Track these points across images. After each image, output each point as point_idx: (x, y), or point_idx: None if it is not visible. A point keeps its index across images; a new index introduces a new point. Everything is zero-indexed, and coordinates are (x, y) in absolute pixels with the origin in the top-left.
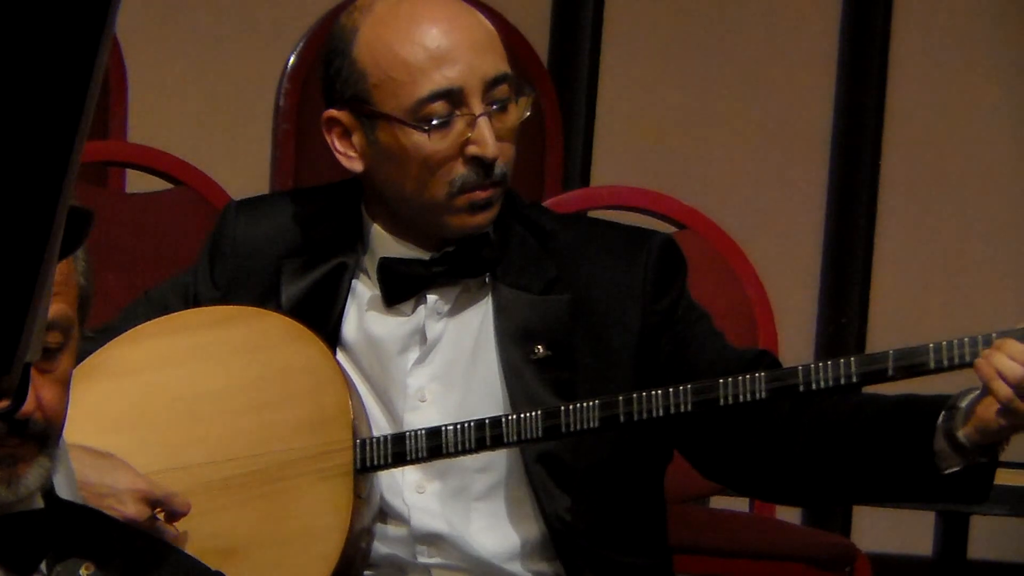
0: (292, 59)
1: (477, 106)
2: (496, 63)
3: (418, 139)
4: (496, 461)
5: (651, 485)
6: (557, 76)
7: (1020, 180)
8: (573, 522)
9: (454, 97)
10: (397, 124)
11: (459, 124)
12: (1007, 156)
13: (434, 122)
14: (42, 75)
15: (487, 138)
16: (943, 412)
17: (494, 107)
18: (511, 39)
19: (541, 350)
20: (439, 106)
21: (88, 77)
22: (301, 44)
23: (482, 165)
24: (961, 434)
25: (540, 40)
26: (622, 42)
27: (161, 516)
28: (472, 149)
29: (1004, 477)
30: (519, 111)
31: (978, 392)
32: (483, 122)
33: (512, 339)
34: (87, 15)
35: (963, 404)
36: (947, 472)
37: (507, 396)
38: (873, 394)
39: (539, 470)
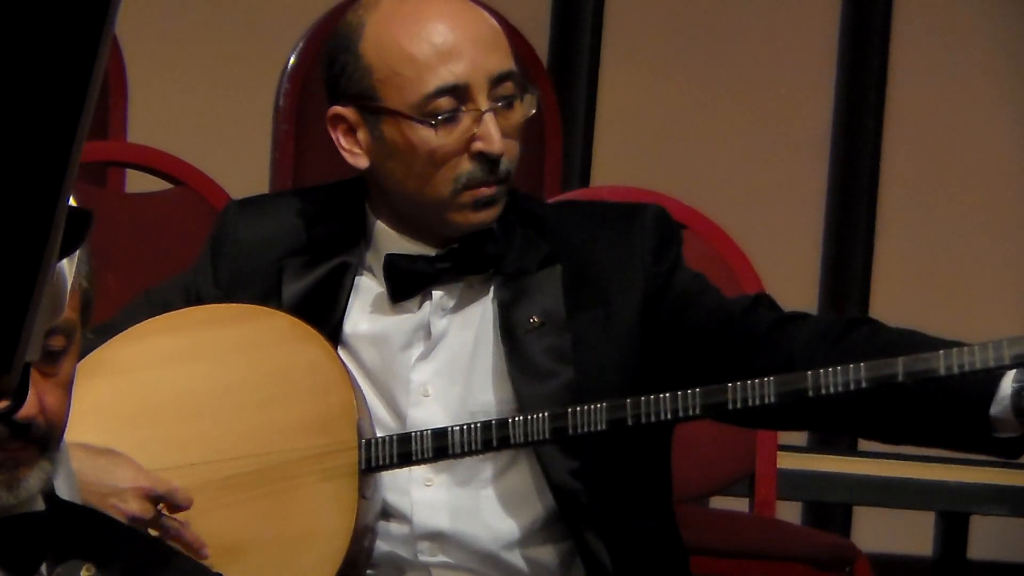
0: (292, 59)
1: (483, 102)
2: (501, 60)
3: (425, 134)
4: None
5: (656, 446)
6: (557, 76)
7: (1020, 180)
8: (579, 488)
9: (460, 93)
10: (403, 119)
11: (465, 120)
12: (1007, 156)
13: (440, 117)
14: (42, 75)
15: (493, 134)
16: (1014, 384)
17: (499, 104)
18: (511, 39)
19: (536, 320)
20: (445, 101)
21: (88, 77)
22: (301, 44)
23: (488, 161)
24: None
25: (540, 40)
26: (622, 42)
27: (165, 511)
28: (478, 145)
29: (1004, 477)
30: (524, 109)
31: None
32: (489, 118)
33: (511, 319)
34: (87, 15)
35: None
36: (1001, 437)
37: (509, 376)
38: (934, 339)
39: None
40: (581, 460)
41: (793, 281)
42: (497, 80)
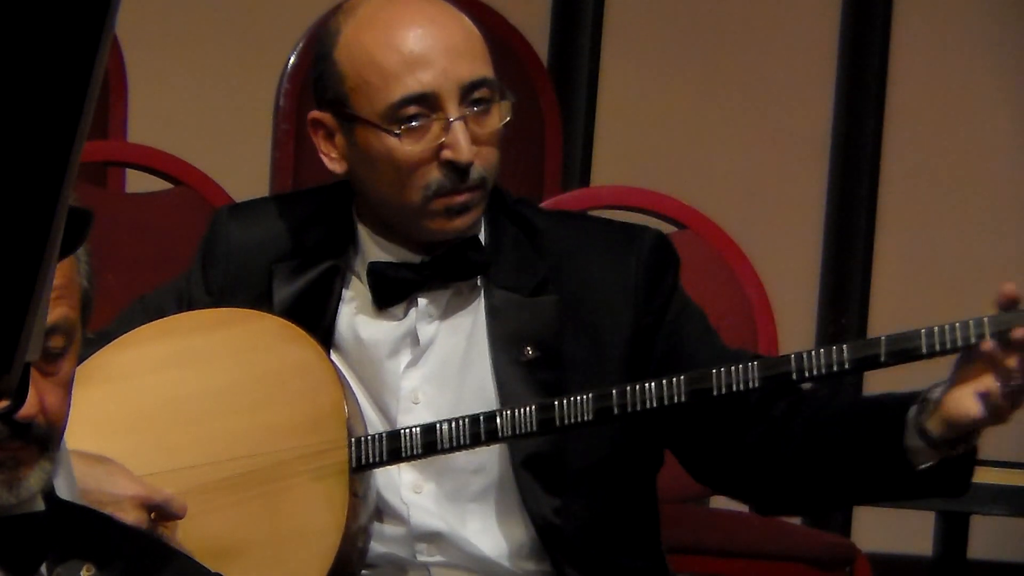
0: (292, 59)
1: (453, 110)
2: (474, 68)
3: (390, 143)
4: (489, 463)
5: (641, 487)
6: (557, 76)
7: (1020, 180)
8: (561, 525)
9: (429, 101)
10: (371, 128)
11: (434, 128)
12: (1007, 156)
13: (404, 126)
14: (42, 75)
15: (461, 142)
16: (914, 406)
17: (473, 110)
18: (511, 39)
19: (530, 352)
20: (412, 110)
21: (88, 77)
22: (301, 44)
23: (456, 170)
24: (929, 426)
25: (540, 40)
26: (622, 42)
27: (157, 519)
28: (446, 153)
29: (1004, 477)
30: (501, 114)
31: (945, 383)
32: (458, 126)
33: (503, 342)
34: (87, 15)
35: (933, 396)
36: (921, 468)
37: (498, 399)
38: (862, 396)
39: (525, 474)
40: (563, 497)
41: (793, 281)
42: (469, 88)
